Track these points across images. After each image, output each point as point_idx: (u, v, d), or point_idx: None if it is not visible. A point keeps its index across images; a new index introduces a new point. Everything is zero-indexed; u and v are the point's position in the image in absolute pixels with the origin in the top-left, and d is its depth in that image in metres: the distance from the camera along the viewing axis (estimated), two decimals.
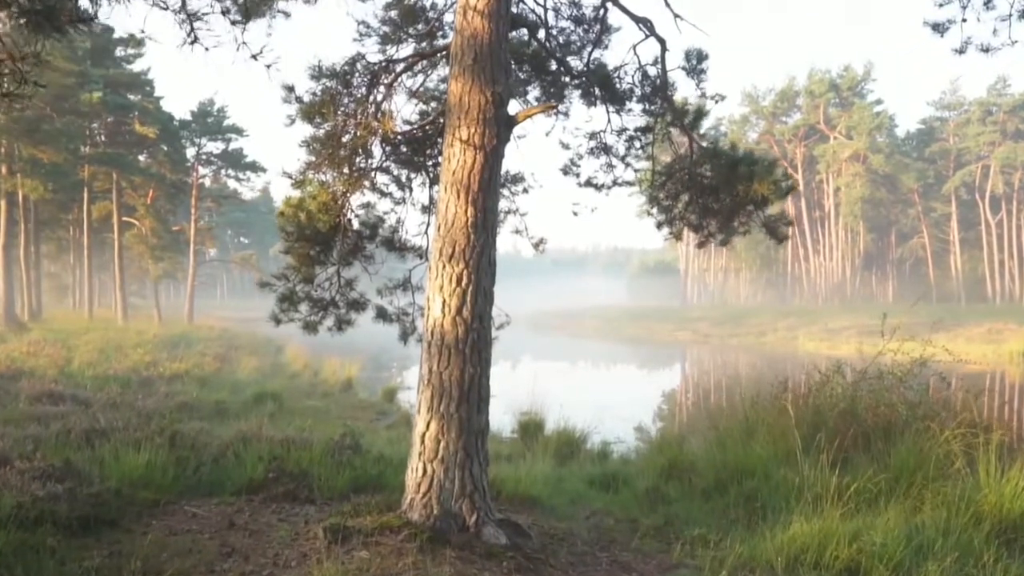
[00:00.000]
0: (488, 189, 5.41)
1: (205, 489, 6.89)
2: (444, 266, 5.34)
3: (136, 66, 40.45)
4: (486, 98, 5.39)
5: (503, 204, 7.93)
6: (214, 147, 46.33)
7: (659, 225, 8.25)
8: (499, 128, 5.46)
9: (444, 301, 5.30)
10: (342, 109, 6.16)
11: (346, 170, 6.77)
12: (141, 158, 41.94)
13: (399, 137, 7.26)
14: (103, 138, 41.57)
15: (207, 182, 53.89)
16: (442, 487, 5.24)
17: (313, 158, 6.42)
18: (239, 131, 45.43)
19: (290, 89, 6.25)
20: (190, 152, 45.57)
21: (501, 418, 14.56)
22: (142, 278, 54.69)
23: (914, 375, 9.21)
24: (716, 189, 7.35)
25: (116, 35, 36.53)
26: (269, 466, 6.95)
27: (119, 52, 39.41)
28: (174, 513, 5.95)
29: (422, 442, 5.32)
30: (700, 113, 7.44)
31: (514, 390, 16.53)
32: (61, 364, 17.53)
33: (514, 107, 6.02)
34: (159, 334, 30.72)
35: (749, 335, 55.14)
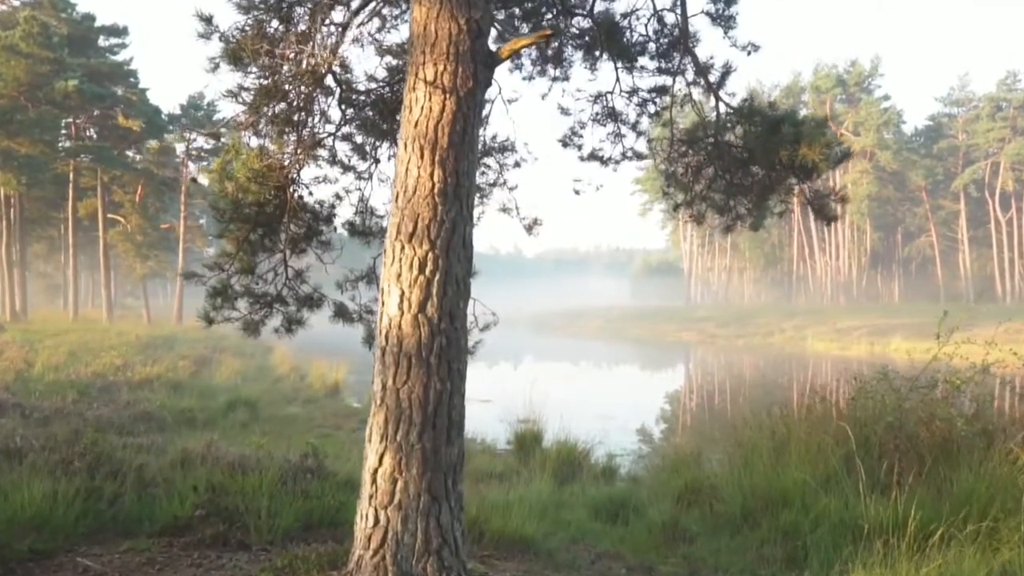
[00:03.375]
0: (462, 146, 4.10)
1: (120, 529, 5.59)
2: (403, 248, 4.03)
3: (120, 57, 39.09)
4: (459, 26, 4.08)
5: (488, 176, 6.62)
6: (205, 142, 44.89)
7: (676, 207, 6.93)
8: (476, 67, 4.15)
9: (402, 294, 3.99)
10: (279, 50, 4.84)
11: (293, 136, 5.45)
12: (129, 153, 40.58)
13: (361, 97, 5.95)
14: (93, 132, 40.27)
15: (204, 179, 52.53)
16: (399, 542, 3.93)
17: (243, 114, 5.11)
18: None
19: (207, 20, 4.89)
20: (180, 147, 44.21)
21: (496, 427, 13.26)
22: (135, 277, 53.34)
23: (976, 383, 7.89)
24: (747, 161, 6.03)
25: (98, 23, 35.14)
26: (200, 500, 5.63)
27: (103, 42, 38.03)
28: (60, 568, 4.63)
29: (373, 482, 4.01)
30: (728, 68, 6.13)
31: (512, 395, 15.19)
32: (21, 368, 16.24)
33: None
34: (143, 335, 29.39)
35: (756, 335, 53.83)
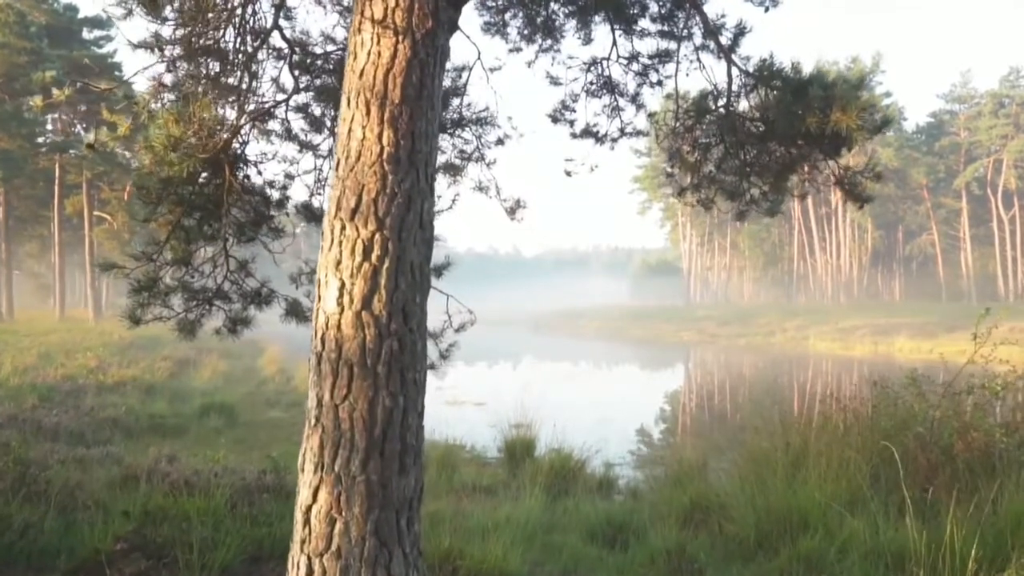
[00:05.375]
0: (419, 101, 3.28)
1: (33, 563, 4.79)
2: (343, 228, 3.21)
3: (106, 49, 38.09)
4: None
5: (460, 145, 5.78)
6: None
7: (681, 191, 6.11)
8: (436, 3, 3.33)
9: (342, 286, 3.17)
10: None
11: (235, 103, 4.63)
12: (118, 150, 39.64)
13: (317, 62, 5.13)
14: (80, 128, 39.38)
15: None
16: None
17: (161, 66, 4.29)
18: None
19: None
20: None
21: (485, 434, 12.45)
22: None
23: (1018, 389, 7.10)
24: (764, 135, 5.21)
25: (82, 15, 34.18)
26: (124, 530, 4.82)
27: (88, 35, 37.08)
28: None
29: (306, 523, 3.19)
30: (742, 28, 5.31)
31: (508, 397, 14.39)
32: None
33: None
34: (127, 335, 28.47)
35: (757, 335, 53.03)
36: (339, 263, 3.19)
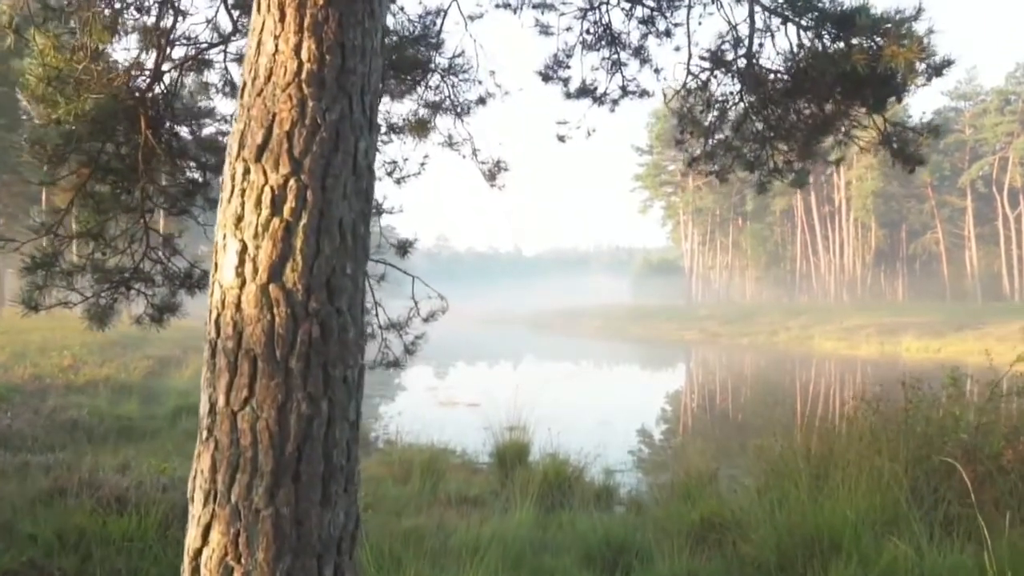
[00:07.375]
0: (351, 5, 2.45)
1: None
2: (246, 171, 2.37)
3: None
4: None
5: (428, 96, 4.91)
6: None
7: (692, 161, 5.27)
8: None
9: (244, 249, 2.34)
10: None
11: (154, 43, 3.78)
12: None
13: None
14: None
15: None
16: None
17: None
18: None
19: None
20: None
21: (476, 437, 11.61)
22: None
23: None
24: (792, 91, 4.37)
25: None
26: (18, 561, 3.99)
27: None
28: None
29: (195, 573, 2.35)
30: None
31: (506, 398, 13.55)
32: None
33: None
34: (111, 333, 27.60)
35: (760, 334, 52.20)
36: (239, 220, 2.35)
